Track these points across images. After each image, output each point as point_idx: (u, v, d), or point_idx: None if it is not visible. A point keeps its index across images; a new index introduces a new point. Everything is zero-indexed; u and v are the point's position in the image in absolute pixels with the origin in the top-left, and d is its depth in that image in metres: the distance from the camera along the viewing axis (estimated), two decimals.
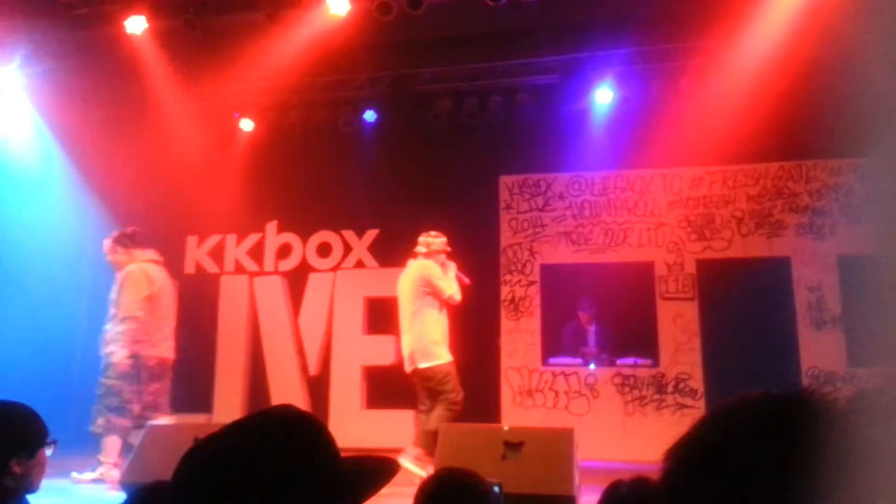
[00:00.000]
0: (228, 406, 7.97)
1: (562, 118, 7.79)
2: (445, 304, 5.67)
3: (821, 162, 7.19)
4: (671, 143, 7.27)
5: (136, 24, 7.17)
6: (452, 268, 5.78)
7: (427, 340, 5.54)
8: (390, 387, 7.18)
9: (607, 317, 7.58)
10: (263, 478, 0.96)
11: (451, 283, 5.66)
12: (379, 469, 1.63)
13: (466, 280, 5.88)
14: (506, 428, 5.16)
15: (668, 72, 7.39)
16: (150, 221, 8.21)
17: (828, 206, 7.11)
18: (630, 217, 7.59)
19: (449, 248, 5.82)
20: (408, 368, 5.62)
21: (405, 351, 5.65)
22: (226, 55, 7.44)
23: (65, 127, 8.01)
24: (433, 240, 5.78)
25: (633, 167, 7.63)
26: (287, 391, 7.83)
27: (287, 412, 1.10)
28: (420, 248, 5.75)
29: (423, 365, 5.52)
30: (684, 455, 0.78)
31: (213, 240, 8.66)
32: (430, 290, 5.59)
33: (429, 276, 5.61)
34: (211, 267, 8.64)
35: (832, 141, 6.98)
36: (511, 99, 7.77)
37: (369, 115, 8.23)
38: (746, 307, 6.96)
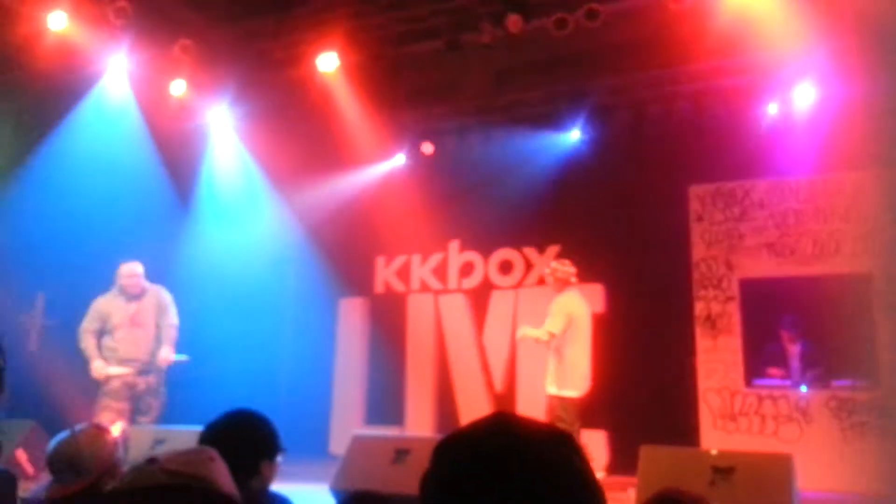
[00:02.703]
0: (419, 419, 8.18)
1: (757, 122, 7.28)
2: None
3: None
4: (886, 141, 6.53)
5: (327, 62, 7.64)
6: None
7: None
8: (580, 407, 7.00)
9: (818, 335, 6.90)
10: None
11: None
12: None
13: None
14: (714, 452, 4.84)
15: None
16: (344, 243, 8.73)
17: None
18: (842, 225, 6.89)
19: None
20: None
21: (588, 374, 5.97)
22: (408, 83, 7.73)
23: (267, 160, 8.69)
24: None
25: (843, 170, 6.93)
26: (474, 407, 7.89)
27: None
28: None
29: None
30: None
31: (399, 260, 8.99)
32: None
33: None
34: (398, 286, 8.96)
35: None
36: (699, 104, 7.39)
37: (547, 132, 8.17)
38: None
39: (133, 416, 6.15)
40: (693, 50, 7.00)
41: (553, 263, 6.23)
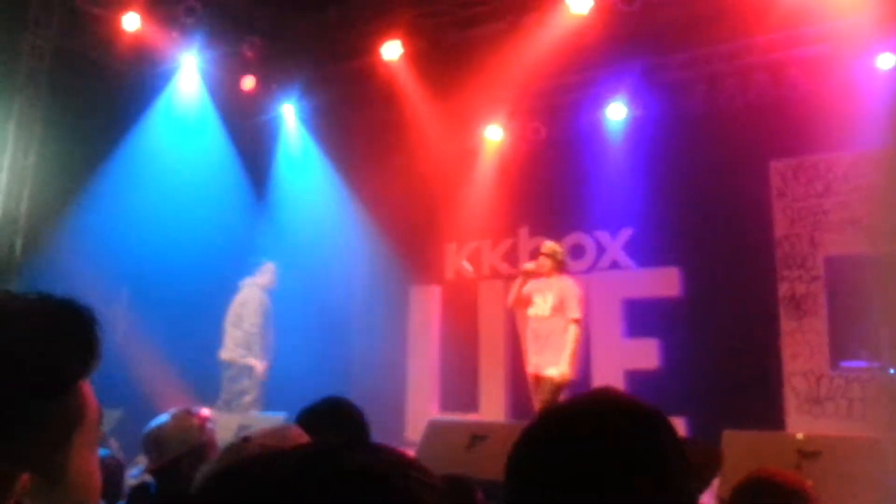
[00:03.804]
0: (493, 405, 8.14)
1: (838, 92, 6.91)
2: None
3: None
4: None
5: (391, 50, 7.64)
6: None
7: None
8: (657, 391, 6.85)
9: None
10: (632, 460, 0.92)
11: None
12: (712, 458, 1.49)
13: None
14: (799, 436, 4.66)
15: None
16: (414, 231, 8.77)
17: None
18: None
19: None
20: None
21: None
22: (472, 68, 7.66)
23: (338, 150, 8.79)
24: None
25: None
26: None
27: (628, 400, 1.04)
28: None
29: None
30: None
31: (469, 246, 8.96)
32: None
33: None
34: (469, 272, 8.94)
35: None
36: (777, 75, 7.07)
37: (617, 111, 7.97)
38: None
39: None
40: (769, 18, 6.71)
41: (550, 244, 6.09)
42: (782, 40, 7.07)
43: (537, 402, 5.80)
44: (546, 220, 8.46)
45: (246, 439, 1.25)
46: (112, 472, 2.92)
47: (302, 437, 1.30)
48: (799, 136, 6.94)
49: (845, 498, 3.99)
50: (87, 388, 1.05)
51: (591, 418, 0.95)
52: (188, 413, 2.70)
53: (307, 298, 8.13)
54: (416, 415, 8.26)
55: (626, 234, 8.05)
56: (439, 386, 8.73)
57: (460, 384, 8.45)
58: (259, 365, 6.76)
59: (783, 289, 6.95)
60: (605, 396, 1.02)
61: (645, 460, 0.90)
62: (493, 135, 8.75)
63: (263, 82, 8.15)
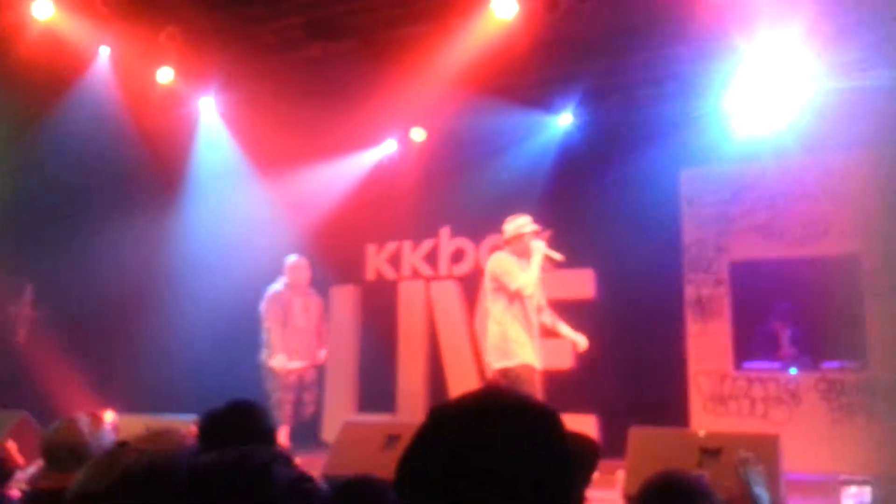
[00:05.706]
0: (411, 406, 8.18)
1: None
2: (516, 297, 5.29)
3: None
4: (875, 122, 6.51)
5: (316, 47, 7.58)
6: (539, 249, 5.40)
7: (504, 339, 5.24)
8: (569, 391, 7.03)
9: (808, 316, 6.94)
10: (507, 461, 0.92)
11: (517, 276, 5.27)
12: (591, 450, 1.52)
13: (558, 257, 5.50)
14: (701, 433, 4.87)
15: None
16: (333, 231, 8.69)
17: None
18: (830, 207, 6.90)
19: (533, 228, 5.50)
20: (488, 371, 5.49)
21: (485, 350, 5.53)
22: (398, 68, 7.67)
23: (257, 147, 8.63)
24: (509, 225, 5.52)
25: (833, 153, 6.92)
26: None
27: (517, 397, 1.06)
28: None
29: (498, 365, 5.24)
30: None
31: (390, 247, 8.96)
32: (498, 286, 5.32)
33: (494, 270, 5.36)
34: (390, 273, 8.94)
35: None
36: (686, 87, 7.36)
37: (537, 117, 8.15)
38: None
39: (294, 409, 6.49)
40: (684, 31, 6.97)
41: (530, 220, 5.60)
42: (695, 52, 7.35)
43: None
44: (467, 221, 8.56)
45: (122, 444, 1.23)
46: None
47: (184, 440, 1.29)
48: (708, 146, 7.25)
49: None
50: None
51: (477, 419, 0.96)
52: (97, 418, 2.60)
53: (221, 299, 7.95)
54: (333, 416, 8.20)
55: (544, 235, 8.19)
56: (356, 387, 8.70)
57: (378, 385, 8.45)
58: (272, 365, 6.42)
59: (689, 292, 7.26)
60: (492, 395, 1.03)
61: (528, 461, 0.91)
62: (417, 136, 8.79)
63: (182, 75, 7.92)
